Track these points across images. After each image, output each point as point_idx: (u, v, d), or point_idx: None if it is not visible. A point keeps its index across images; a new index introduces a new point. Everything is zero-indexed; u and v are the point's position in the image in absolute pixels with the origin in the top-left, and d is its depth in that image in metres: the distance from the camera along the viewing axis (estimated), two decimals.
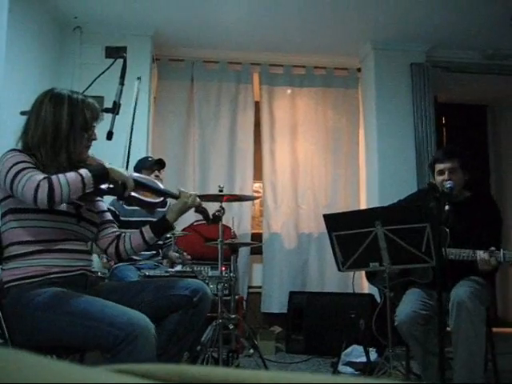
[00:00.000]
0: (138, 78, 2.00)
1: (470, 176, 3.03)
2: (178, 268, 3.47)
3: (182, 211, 2.14)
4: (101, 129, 2.08)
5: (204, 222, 4.67)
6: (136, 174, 2.17)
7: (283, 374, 0.32)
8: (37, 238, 1.85)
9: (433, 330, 2.67)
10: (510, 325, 6.24)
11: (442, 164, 2.98)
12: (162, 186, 2.23)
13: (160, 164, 3.90)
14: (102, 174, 1.83)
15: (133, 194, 2.07)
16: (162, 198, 2.15)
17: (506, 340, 5.23)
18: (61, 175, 1.75)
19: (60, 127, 1.90)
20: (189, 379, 0.30)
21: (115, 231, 2.18)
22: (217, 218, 2.31)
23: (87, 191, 1.79)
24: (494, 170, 6.88)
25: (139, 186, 2.10)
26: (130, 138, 1.98)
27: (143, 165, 3.85)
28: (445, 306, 2.62)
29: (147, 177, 2.28)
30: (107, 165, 1.87)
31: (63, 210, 1.89)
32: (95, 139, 2.03)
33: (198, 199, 2.15)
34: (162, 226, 2.14)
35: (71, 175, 1.76)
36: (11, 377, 0.26)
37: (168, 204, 3.40)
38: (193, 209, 2.18)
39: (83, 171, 1.78)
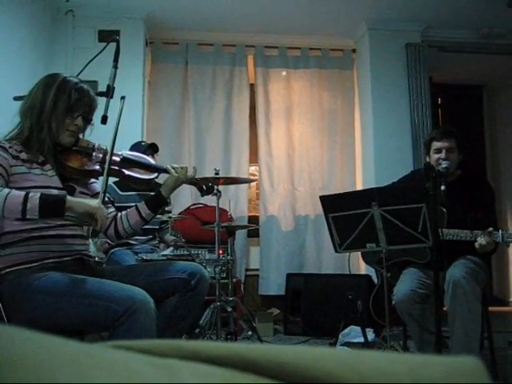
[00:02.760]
0: (122, 98, 1.98)
1: (464, 156, 3.04)
2: (169, 251, 3.47)
3: (176, 185, 2.15)
4: (96, 113, 2.07)
5: (201, 205, 4.67)
6: (129, 152, 2.18)
7: (275, 346, 0.32)
8: (32, 226, 1.85)
9: (430, 308, 2.69)
10: (506, 304, 6.30)
11: (440, 142, 2.97)
12: (153, 162, 2.24)
13: (153, 148, 3.88)
14: (54, 205, 1.73)
15: (127, 172, 2.07)
16: (156, 174, 2.16)
17: (502, 319, 5.28)
18: (6, 189, 1.71)
19: (45, 105, 1.91)
20: (186, 353, 0.30)
21: (112, 212, 2.19)
22: (210, 189, 2.31)
23: (29, 218, 1.71)
24: (489, 150, 6.88)
25: (131, 163, 2.11)
26: (112, 149, 1.96)
27: (136, 149, 3.81)
28: (441, 286, 2.63)
29: (139, 154, 2.27)
30: (69, 198, 1.77)
31: None
32: (79, 126, 1.99)
33: (190, 171, 2.15)
34: (157, 201, 2.14)
35: (15, 194, 1.70)
36: (5, 351, 0.26)
37: None
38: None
39: (33, 195, 1.71)
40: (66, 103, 1.93)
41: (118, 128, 1.98)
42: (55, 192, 1.90)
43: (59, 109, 1.92)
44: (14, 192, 1.71)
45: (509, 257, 6.26)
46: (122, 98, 2.00)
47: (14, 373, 0.26)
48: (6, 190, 1.70)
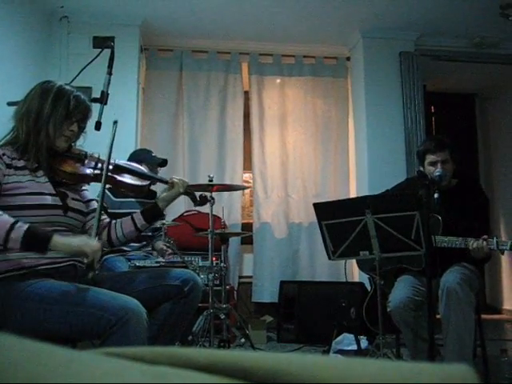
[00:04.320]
0: (115, 122, 1.98)
1: (458, 166, 3.05)
2: (160, 259, 3.46)
3: (174, 199, 2.18)
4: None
5: (194, 212, 4.66)
6: (122, 161, 2.18)
7: (268, 354, 0.32)
8: None
9: (424, 315, 2.69)
10: (499, 311, 6.31)
11: (434, 155, 2.97)
12: (146, 171, 2.24)
13: (163, 165, 3.85)
14: (38, 241, 1.73)
15: (119, 178, 2.07)
16: (148, 182, 2.16)
17: (495, 326, 5.29)
18: None
19: (43, 110, 1.92)
20: (178, 360, 0.30)
21: (104, 219, 2.18)
22: (204, 199, 2.32)
23: (10, 247, 1.70)
24: (482, 159, 6.92)
25: (124, 171, 2.10)
26: (106, 175, 1.95)
27: (146, 160, 3.68)
28: (435, 293, 2.64)
29: (133, 163, 2.27)
30: (57, 238, 1.74)
31: (49, 204, 1.88)
32: (74, 133, 2.00)
33: (186, 182, 2.17)
34: (154, 213, 2.14)
35: (5, 218, 1.70)
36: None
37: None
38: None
39: (20, 226, 1.70)
40: (64, 108, 1.94)
41: (112, 151, 1.98)
42: (49, 199, 1.89)
43: (58, 113, 1.93)
44: (3, 217, 1.70)
45: (501, 264, 6.28)
46: (115, 122, 2.00)
47: (5, 380, 0.26)
48: None
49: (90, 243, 1.76)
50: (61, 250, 1.75)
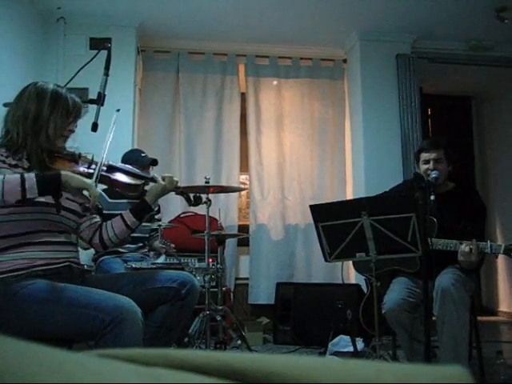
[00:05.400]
0: (117, 110, 2.00)
1: (454, 167, 3.06)
2: (162, 259, 3.46)
3: (162, 194, 2.16)
4: (86, 120, 2.07)
5: (191, 213, 4.66)
6: (118, 164, 2.18)
7: (264, 355, 0.32)
8: (19, 231, 1.84)
9: (419, 317, 2.69)
10: (495, 313, 6.32)
11: (428, 153, 3.00)
12: (138, 171, 2.25)
13: (154, 164, 3.85)
14: (51, 180, 1.73)
15: (114, 177, 2.07)
16: (143, 181, 2.16)
17: (491, 328, 5.31)
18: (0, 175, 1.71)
19: (41, 111, 1.92)
20: (173, 362, 0.30)
21: (97, 221, 2.18)
22: (198, 200, 2.32)
23: (30, 197, 1.69)
24: (478, 161, 6.93)
25: (118, 171, 2.11)
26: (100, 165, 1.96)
27: (136, 160, 3.64)
28: (430, 295, 2.64)
29: (125, 165, 2.27)
30: (64, 172, 1.77)
31: (42, 201, 1.88)
32: (72, 131, 2.02)
33: (175, 180, 2.16)
34: (142, 209, 2.14)
35: (11, 176, 1.69)
36: None
37: None
38: (173, 192, 2.20)
39: (28, 175, 1.70)
40: (64, 109, 1.95)
41: (111, 137, 1.99)
42: (42, 198, 1.88)
43: (58, 114, 1.94)
44: (9, 176, 1.70)
45: (497, 266, 6.29)
46: (118, 110, 2.01)
47: (1, 381, 0.26)
48: (1, 176, 1.69)
49: (93, 186, 1.79)
50: (72, 182, 1.74)
